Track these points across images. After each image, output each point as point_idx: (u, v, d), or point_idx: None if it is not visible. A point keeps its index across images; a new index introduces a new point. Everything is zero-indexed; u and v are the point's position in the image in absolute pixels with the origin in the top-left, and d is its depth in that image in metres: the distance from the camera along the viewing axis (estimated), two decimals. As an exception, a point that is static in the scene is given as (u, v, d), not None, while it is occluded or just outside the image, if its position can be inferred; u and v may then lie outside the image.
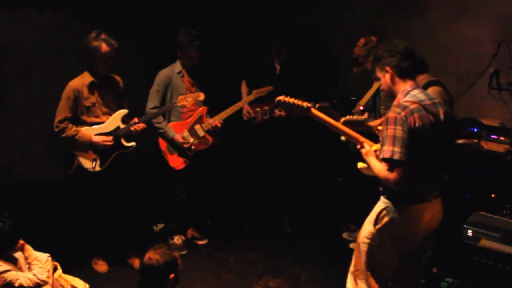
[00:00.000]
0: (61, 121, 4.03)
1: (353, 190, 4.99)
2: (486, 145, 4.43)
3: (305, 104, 3.13)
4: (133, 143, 4.22)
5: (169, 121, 4.53)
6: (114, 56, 4.04)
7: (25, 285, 3.16)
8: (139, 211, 5.11)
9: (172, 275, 2.86)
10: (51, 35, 5.32)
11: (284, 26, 4.95)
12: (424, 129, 2.80)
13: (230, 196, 5.82)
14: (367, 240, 3.07)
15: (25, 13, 5.10)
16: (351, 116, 3.58)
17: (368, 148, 3.02)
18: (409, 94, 2.92)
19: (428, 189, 2.97)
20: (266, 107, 4.88)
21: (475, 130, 4.64)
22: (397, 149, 2.75)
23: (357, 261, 3.16)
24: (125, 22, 5.62)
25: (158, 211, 5.13)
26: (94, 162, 4.11)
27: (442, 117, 2.89)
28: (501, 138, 4.49)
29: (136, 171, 4.55)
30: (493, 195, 4.33)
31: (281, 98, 3.14)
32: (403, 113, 2.79)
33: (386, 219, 2.98)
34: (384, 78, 3.01)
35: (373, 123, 3.75)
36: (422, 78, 3.86)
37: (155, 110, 4.45)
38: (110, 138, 4.10)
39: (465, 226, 3.58)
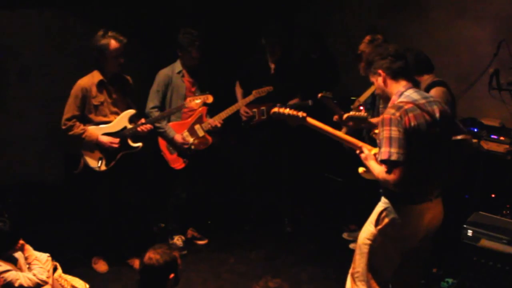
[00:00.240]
0: (68, 119, 4.02)
1: (353, 190, 4.99)
2: (486, 145, 4.43)
3: (300, 114, 3.15)
4: (139, 144, 4.22)
5: (169, 121, 4.53)
6: (124, 52, 4.02)
7: (25, 285, 3.16)
8: (139, 211, 5.11)
9: (172, 275, 2.86)
10: (51, 35, 5.33)
11: (276, 24, 4.95)
12: (420, 128, 2.80)
13: (230, 196, 5.81)
14: (368, 241, 3.07)
15: (25, 13, 5.10)
16: (354, 113, 3.58)
17: (367, 152, 3.03)
18: (403, 94, 2.92)
19: (429, 189, 2.97)
20: (263, 107, 4.88)
21: (475, 130, 4.64)
22: (394, 149, 2.75)
23: (358, 262, 3.15)
24: (125, 22, 5.60)
25: (158, 211, 5.12)
26: (100, 162, 4.11)
27: (437, 115, 2.89)
28: (501, 138, 4.50)
29: (141, 172, 4.55)
30: (493, 195, 4.33)
31: (276, 109, 3.20)
32: (397, 114, 2.79)
33: (387, 219, 2.98)
34: (377, 81, 3.03)
35: (374, 119, 3.75)
36: (427, 78, 3.86)
37: (155, 109, 4.45)
38: (116, 140, 4.09)
39: (465, 226, 3.58)
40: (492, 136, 4.54)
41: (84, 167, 4.15)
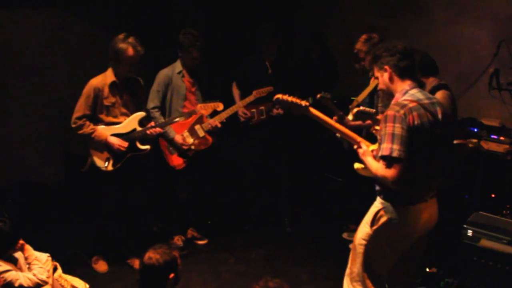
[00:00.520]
0: (79, 118, 4.03)
1: (353, 190, 4.99)
2: (486, 145, 4.44)
3: (303, 102, 3.14)
4: (147, 146, 4.23)
5: (169, 121, 4.54)
6: (137, 62, 4.05)
7: (25, 285, 3.15)
8: (139, 211, 5.11)
9: (172, 275, 2.86)
10: (51, 35, 5.32)
11: (270, 23, 4.96)
12: (423, 128, 2.80)
13: (230, 196, 5.81)
14: (364, 242, 3.07)
15: (25, 13, 5.10)
16: (363, 108, 3.59)
17: (365, 148, 3.03)
18: (408, 93, 2.92)
19: (425, 189, 2.97)
20: (262, 107, 4.88)
21: (475, 130, 4.64)
22: (396, 146, 2.75)
23: (353, 263, 3.15)
24: (125, 22, 5.61)
25: (158, 211, 5.12)
26: (107, 162, 4.11)
27: (440, 116, 2.90)
28: (501, 138, 4.50)
29: (148, 174, 4.56)
30: (493, 195, 4.33)
31: (279, 96, 3.18)
32: (402, 111, 2.79)
33: (383, 219, 2.97)
34: (382, 77, 3.01)
35: (380, 116, 3.75)
36: (432, 80, 3.87)
37: (156, 110, 4.46)
38: (125, 144, 4.10)
39: (465, 226, 3.58)
40: (492, 136, 4.54)
41: (90, 166, 4.15)
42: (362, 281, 3.10)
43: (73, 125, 4.03)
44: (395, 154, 2.74)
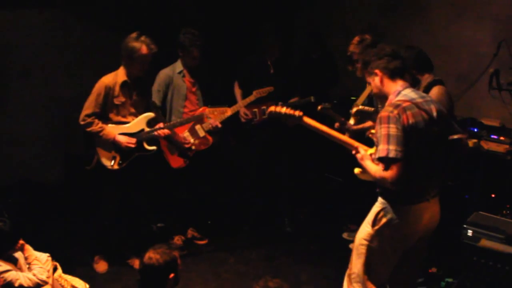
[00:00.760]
0: (88, 115, 4.01)
1: (353, 190, 4.99)
2: (486, 145, 4.44)
3: (296, 113, 3.15)
4: (154, 147, 4.24)
5: (169, 121, 4.53)
6: (150, 61, 4.05)
7: (25, 285, 3.16)
8: (139, 211, 5.11)
9: (172, 275, 2.86)
10: (51, 35, 5.33)
11: (273, 23, 4.96)
12: (418, 127, 2.81)
13: (230, 196, 5.82)
14: (365, 242, 3.07)
15: (25, 13, 5.10)
16: (363, 106, 3.58)
17: (363, 152, 3.02)
18: (401, 93, 2.93)
19: (426, 189, 2.97)
20: (264, 107, 4.88)
21: (475, 130, 4.64)
22: (392, 147, 2.74)
23: (354, 263, 3.15)
24: (125, 22, 5.61)
25: (158, 211, 5.12)
26: (113, 161, 4.11)
27: (435, 114, 2.90)
28: (501, 138, 4.50)
29: (148, 174, 4.56)
30: (493, 195, 4.33)
31: (272, 109, 3.22)
32: (395, 112, 2.79)
33: (384, 220, 2.97)
34: (374, 81, 3.03)
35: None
36: (427, 77, 3.87)
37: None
38: (134, 140, 4.10)
39: (465, 226, 3.57)
40: (492, 136, 4.54)
41: (96, 164, 4.15)
42: (363, 281, 3.09)
43: (82, 122, 4.02)
44: (391, 154, 2.74)
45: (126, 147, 4.08)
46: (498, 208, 4.08)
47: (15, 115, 5.22)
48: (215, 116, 4.39)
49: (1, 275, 3.10)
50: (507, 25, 4.87)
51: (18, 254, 3.32)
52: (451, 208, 3.31)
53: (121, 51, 4.01)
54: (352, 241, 4.26)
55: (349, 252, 3.26)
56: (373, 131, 3.12)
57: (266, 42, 4.85)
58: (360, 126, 3.87)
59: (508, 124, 4.62)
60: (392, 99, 2.94)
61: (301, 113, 3.15)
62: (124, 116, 4.14)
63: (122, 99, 4.08)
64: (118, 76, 4.06)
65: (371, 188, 3.16)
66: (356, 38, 4.25)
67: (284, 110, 3.19)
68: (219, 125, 4.52)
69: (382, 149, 2.77)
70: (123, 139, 4.07)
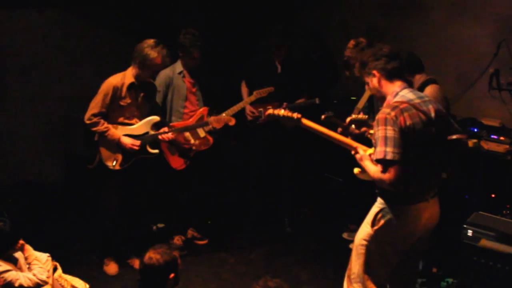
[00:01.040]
0: (94, 115, 4.01)
1: (353, 190, 4.99)
2: (486, 145, 4.43)
3: (295, 115, 3.16)
4: (156, 150, 4.26)
5: (170, 121, 4.53)
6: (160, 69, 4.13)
7: (25, 285, 3.15)
8: (139, 211, 5.11)
9: (172, 275, 2.86)
10: (51, 35, 5.33)
11: (282, 24, 4.95)
12: (416, 128, 2.81)
13: (230, 196, 5.81)
14: (365, 242, 3.07)
15: (25, 13, 5.10)
16: (356, 115, 3.59)
17: (362, 152, 3.03)
18: (398, 94, 2.93)
19: (425, 189, 2.97)
20: (269, 106, 4.86)
21: (475, 130, 4.64)
22: (389, 149, 2.74)
23: (354, 263, 3.15)
24: (125, 22, 5.62)
25: (158, 211, 5.12)
26: (115, 161, 4.11)
27: (433, 114, 2.90)
28: (501, 138, 4.50)
29: (149, 174, 4.56)
30: (493, 195, 4.33)
31: (270, 111, 3.23)
32: (393, 113, 2.79)
33: (383, 220, 2.97)
34: (372, 82, 3.03)
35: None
36: (419, 78, 3.88)
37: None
38: (138, 143, 4.10)
39: (465, 226, 3.57)
40: (492, 136, 4.54)
41: (98, 164, 4.15)
42: (363, 282, 3.10)
43: (88, 121, 4.02)
44: (389, 156, 2.74)
45: (130, 149, 4.08)
46: (498, 208, 4.08)
47: (14, 114, 5.22)
48: (219, 124, 4.39)
49: (1, 275, 3.10)
50: (507, 25, 4.86)
51: (18, 254, 3.32)
52: (451, 208, 3.30)
53: (133, 53, 4.02)
54: (352, 241, 4.27)
55: (349, 252, 3.26)
56: (371, 131, 3.12)
57: (275, 42, 4.83)
58: (363, 129, 3.87)
59: (508, 124, 4.62)
60: (390, 100, 2.94)
61: (299, 115, 3.16)
62: (128, 118, 4.14)
63: (128, 100, 4.08)
64: (125, 77, 4.06)
65: (371, 188, 3.16)
66: (352, 42, 4.26)
67: (282, 112, 3.21)
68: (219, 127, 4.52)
69: (380, 151, 2.77)
70: (127, 141, 4.07)
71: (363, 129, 3.71)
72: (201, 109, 4.56)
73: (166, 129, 4.24)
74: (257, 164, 5.19)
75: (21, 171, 5.28)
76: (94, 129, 4.03)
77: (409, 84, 3.23)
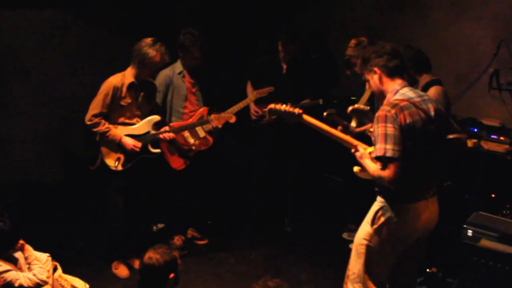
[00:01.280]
0: (95, 115, 4.00)
1: (353, 190, 4.99)
2: (486, 145, 4.43)
3: (296, 110, 3.16)
4: (158, 150, 4.25)
5: (170, 122, 4.53)
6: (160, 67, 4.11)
7: (25, 285, 3.16)
8: (139, 211, 5.11)
9: (172, 275, 2.86)
10: (51, 35, 5.33)
11: (291, 24, 4.94)
12: (416, 126, 2.81)
13: (231, 196, 5.81)
14: (365, 241, 3.07)
15: (25, 13, 5.10)
16: (358, 105, 3.59)
17: (362, 150, 3.03)
18: (398, 92, 2.93)
19: (424, 187, 2.97)
20: None
21: (475, 130, 4.64)
22: (389, 146, 2.75)
23: (354, 263, 3.15)
24: (125, 22, 5.62)
25: (158, 211, 5.12)
26: (117, 161, 4.10)
27: (432, 113, 2.90)
28: (501, 138, 4.50)
29: (149, 174, 4.56)
30: (493, 195, 4.33)
31: (272, 105, 3.23)
32: (393, 111, 2.79)
33: (383, 218, 2.97)
34: (373, 79, 3.03)
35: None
36: (425, 77, 3.87)
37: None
38: (139, 144, 4.10)
39: (465, 226, 3.57)
40: (492, 136, 4.54)
41: (100, 164, 4.14)
42: (363, 282, 3.09)
43: (89, 122, 4.01)
44: (389, 154, 2.74)
45: (132, 150, 4.08)
46: (498, 208, 4.08)
47: (14, 114, 5.22)
48: (219, 122, 4.39)
49: (1, 275, 3.10)
50: (507, 25, 4.87)
51: (18, 254, 3.32)
52: (451, 208, 3.30)
53: (132, 52, 4.01)
54: (352, 241, 4.27)
55: (349, 252, 3.26)
56: (371, 129, 3.12)
57: (284, 43, 4.81)
58: (363, 128, 3.87)
59: (508, 124, 4.62)
60: (390, 97, 2.94)
61: (300, 111, 3.16)
62: (129, 118, 4.14)
63: (128, 100, 4.07)
64: (125, 77, 4.05)
65: (370, 188, 3.16)
66: (353, 41, 4.26)
67: (284, 107, 3.20)
68: (220, 126, 4.52)
69: (380, 148, 2.77)
70: (129, 142, 4.07)
71: (364, 127, 3.71)
72: (201, 109, 4.56)
73: (167, 128, 4.24)
74: (259, 164, 5.18)
75: (21, 171, 5.28)
76: (95, 129, 4.02)
77: (413, 83, 3.24)
